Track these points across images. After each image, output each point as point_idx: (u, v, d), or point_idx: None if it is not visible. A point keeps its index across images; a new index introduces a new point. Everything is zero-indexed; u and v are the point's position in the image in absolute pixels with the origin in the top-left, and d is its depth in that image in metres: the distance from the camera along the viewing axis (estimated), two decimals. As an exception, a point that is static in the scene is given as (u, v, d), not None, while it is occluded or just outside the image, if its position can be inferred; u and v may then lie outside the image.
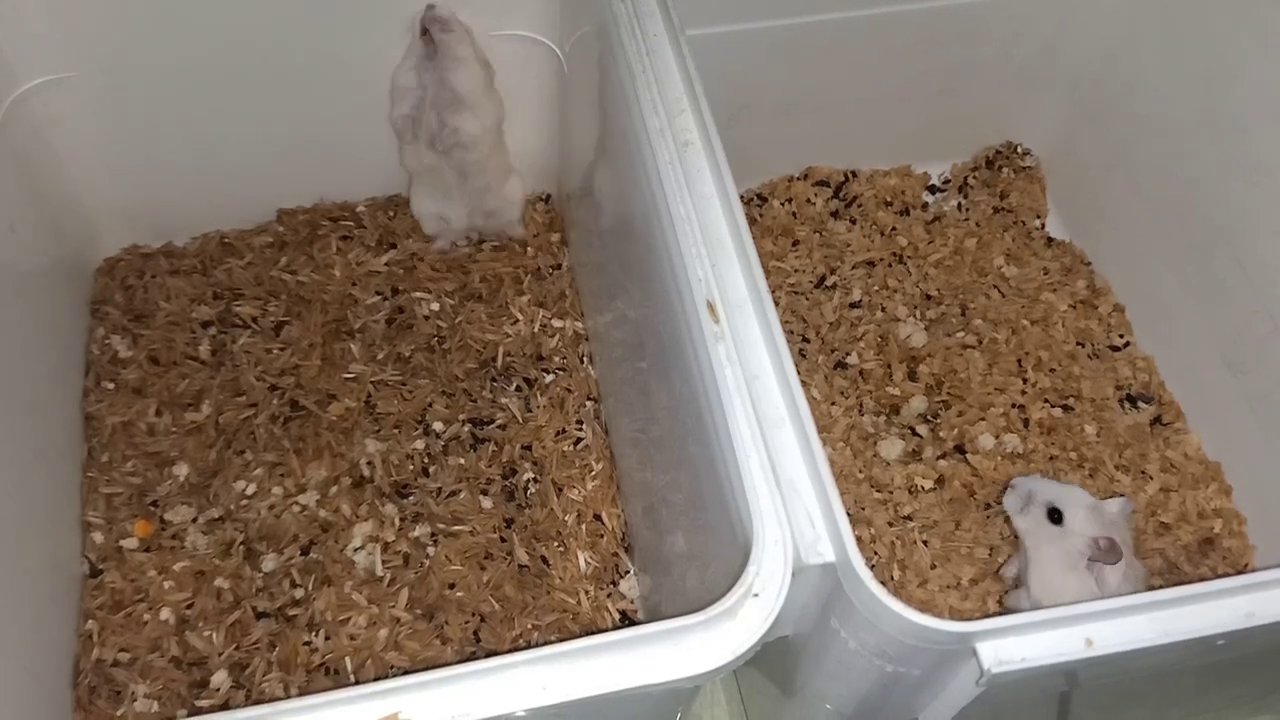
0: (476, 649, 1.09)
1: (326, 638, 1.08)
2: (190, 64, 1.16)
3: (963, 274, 1.39)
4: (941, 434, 1.25)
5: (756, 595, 0.69)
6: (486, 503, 1.18)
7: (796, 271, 1.37)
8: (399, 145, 1.28)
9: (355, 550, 1.14)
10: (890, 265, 1.39)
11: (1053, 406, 1.28)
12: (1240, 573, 1.17)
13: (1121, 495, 1.08)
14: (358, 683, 0.96)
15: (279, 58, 1.18)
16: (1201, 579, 1.12)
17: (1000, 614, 1.01)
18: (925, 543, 1.18)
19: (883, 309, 1.35)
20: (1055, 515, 1.04)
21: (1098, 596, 1.02)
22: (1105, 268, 1.41)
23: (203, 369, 1.24)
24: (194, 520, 1.15)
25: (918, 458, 1.24)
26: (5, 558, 0.96)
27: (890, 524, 1.19)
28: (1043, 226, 1.47)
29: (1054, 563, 1.04)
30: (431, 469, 1.19)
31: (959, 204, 1.47)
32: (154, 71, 1.16)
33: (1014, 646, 0.68)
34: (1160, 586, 1.09)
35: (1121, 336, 1.35)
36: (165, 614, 1.09)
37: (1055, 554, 1.04)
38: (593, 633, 0.97)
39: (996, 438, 1.25)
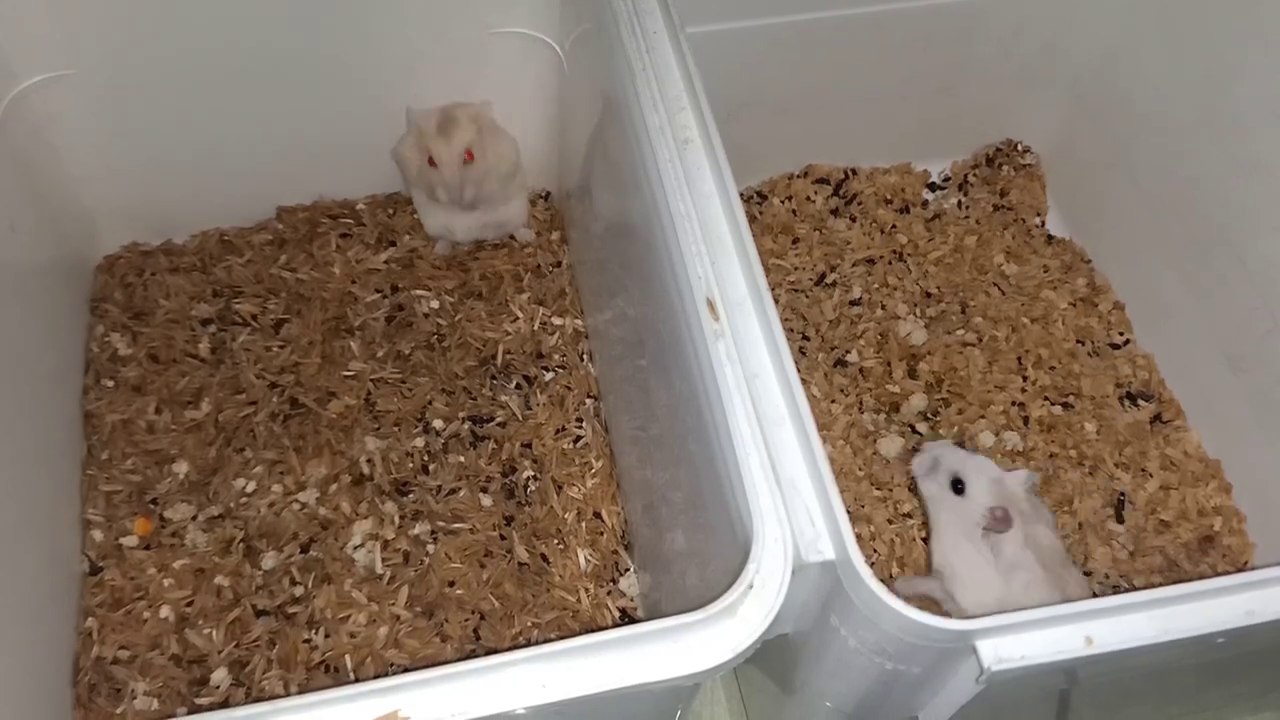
0: (476, 647, 1.09)
1: (326, 635, 1.08)
2: (189, 61, 1.16)
3: (963, 272, 1.39)
4: (941, 431, 1.25)
5: (756, 593, 0.69)
6: (486, 500, 1.18)
7: (796, 269, 1.37)
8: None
9: (355, 548, 1.14)
10: (890, 263, 1.39)
11: (1053, 404, 1.28)
12: (1240, 570, 1.17)
13: (1024, 470, 1.06)
14: (357, 680, 0.96)
15: (278, 55, 1.18)
16: (1201, 577, 1.13)
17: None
18: (925, 540, 1.18)
19: (883, 307, 1.35)
20: (958, 485, 1.04)
21: (994, 566, 1.02)
22: (1105, 265, 1.41)
23: (202, 367, 1.24)
24: (194, 518, 1.15)
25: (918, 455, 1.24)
26: (5, 555, 0.96)
27: (890, 521, 1.19)
28: (1043, 224, 1.47)
29: (952, 529, 1.04)
30: (431, 467, 1.19)
31: (959, 201, 1.47)
32: (153, 69, 1.16)
33: (1014, 644, 0.68)
34: (1159, 584, 1.09)
35: (1121, 334, 1.35)
36: (165, 612, 1.09)
37: (954, 521, 1.04)
38: (593, 630, 0.97)
39: (996, 435, 1.25)
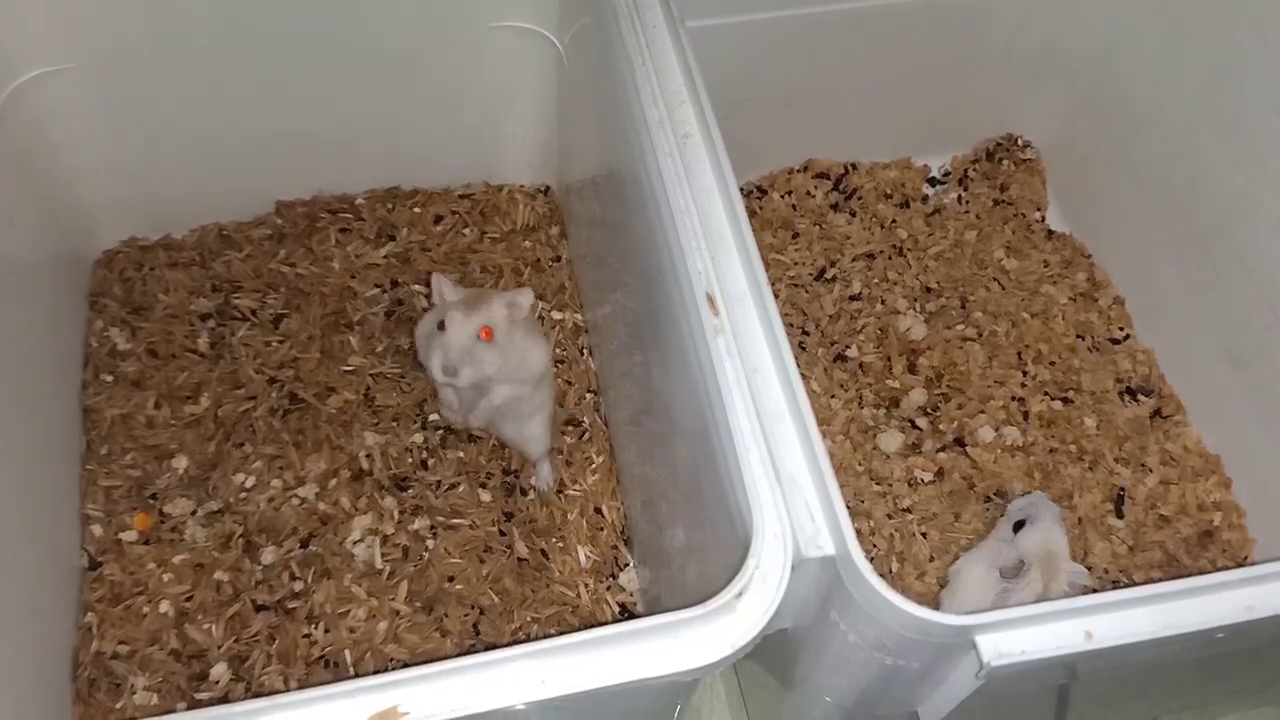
0: (476, 642, 1.09)
1: (326, 630, 1.08)
2: (188, 55, 1.16)
3: (963, 267, 1.39)
4: (941, 427, 1.25)
5: (756, 588, 0.69)
6: (485, 496, 1.18)
7: (796, 264, 1.37)
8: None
9: (354, 543, 1.14)
10: (890, 258, 1.39)
11: (1053, 399, 1.28)
12: (1240, 565, 1.17)
13: (1084, 568, 1.08)
14: (357, 675, 0.96)
15: (277, 49, 1.18)
16: (1201, 572, 1.13)
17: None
18: (924, 535, 1.18)
19: (882, 302, 1.35)
20: (1018, 526, 1.08)
21: (987, 600, 1.05)
22: (1105, 260, 1.41)
23: (201, 362, 1.24)
24: (193, 513, 1.15)
25: (917, 450, 1.24)
26: (4, 551, 0.96)
27: (889, 516, 1.19)
28: (1043, 219, 1.46)
29: (987, 550, 1.09)
30: (430, 462, 1.19)
31: (959, 196, 1.47)
32: (152, 63, 1.16)
33: (1013, 639, 0.68)
34: (1159, 579, 1.09)
35: (1121, 329, 1.35)
36: (165, 607, 1.09)
37: (989, 548, 1.09)
38: (592, 626, 0.97)
39: (996, 430, 1.25)
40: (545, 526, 1.16)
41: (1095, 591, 1.06)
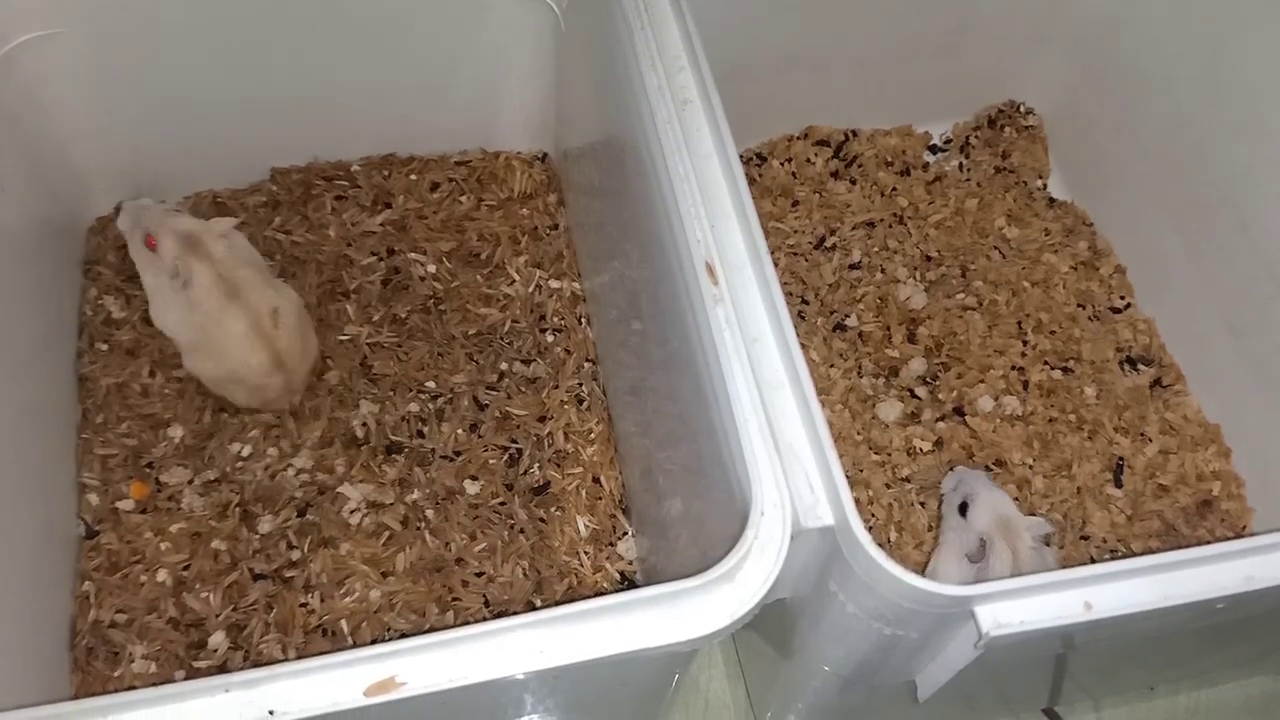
0: (474, 611, 1.09)
1: (323, 599, 1.08)
2: (182, 19, 1.14)
3: (963, 235, 1.38)
4: (940, 396, 1.25)
5: (755, 558, 0.68)
6: (483, 465, 1.17)
7: (796, 232, 1.36)
8: None
9: (351, 512, 1.13)
10: (890, 226, 1.38)
11: (1053, 368, 1.27)
12: (1239, 535, 1.18)
13: (1041, 518, 1.07)
14: (355, 645, 0.96)
15: (273, 12, 1.16)
16: (1200, 541, 1.13)
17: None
18: (923, 504, 1.18)
19: (882, 270, 1.34)
20: (963, 508, 1.06)
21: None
22: (1107, 229, 1.40)
23: (197, 330, 1.23)
24: (190, 482, 1.14)
25: (916, 420, 1.23)
26: (1, 520, 0.96)
27: (888, 486, 1.19)
28: (1044, 187, 1.45)
29: (950, 547, 1.07)
30: (427, 430, 1.19)
31: (960, 164, 1.46)
32: (145, 27, 1.14)
33: (1012, 609, 0.68)
34: (1157, 549, 1.09)
35: (1123, 298, 1.35)
36: (162, 575, 1.09)
37: (953, 541, 1.07)
38: (591, 596, 0.97)
39: (996, 400, 1.24)
40: (544, 497, 1.16)
41: (1054, 537, 1.07)
